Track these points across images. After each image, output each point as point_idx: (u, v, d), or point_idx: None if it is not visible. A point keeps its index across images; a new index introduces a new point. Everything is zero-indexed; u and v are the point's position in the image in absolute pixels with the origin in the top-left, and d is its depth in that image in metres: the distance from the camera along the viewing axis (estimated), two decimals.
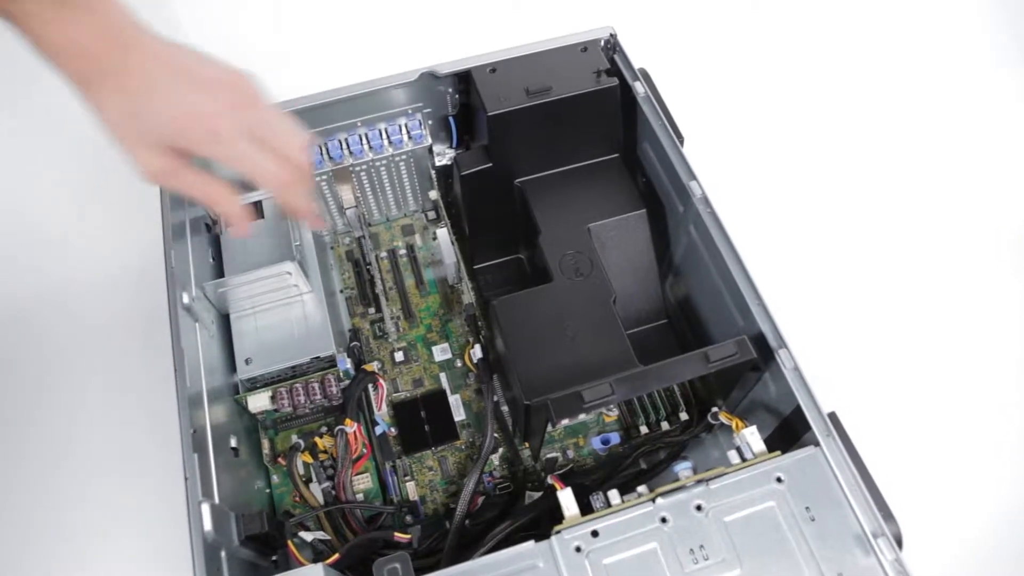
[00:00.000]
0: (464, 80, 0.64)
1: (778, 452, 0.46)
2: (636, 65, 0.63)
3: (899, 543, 0.43)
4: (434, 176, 0.71)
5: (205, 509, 0.45)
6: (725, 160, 0.85)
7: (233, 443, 0.56)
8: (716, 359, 0.48)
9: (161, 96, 0.41)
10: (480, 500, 0.60)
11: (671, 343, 0.65)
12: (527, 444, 0.64)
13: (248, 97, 0.44)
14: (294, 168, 0.46)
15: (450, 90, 0.65)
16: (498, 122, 0.59)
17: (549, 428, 0.63)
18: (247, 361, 0.60)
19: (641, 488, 0.46)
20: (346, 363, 0.63)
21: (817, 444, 0.46)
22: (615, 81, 0.61)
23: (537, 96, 0.60)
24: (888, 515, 0.43)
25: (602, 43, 0.64)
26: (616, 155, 0.65)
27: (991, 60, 0.97)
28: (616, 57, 0.64)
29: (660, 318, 0.66)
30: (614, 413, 0.65)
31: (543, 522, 0.54)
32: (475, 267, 0.63)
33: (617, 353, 0.54)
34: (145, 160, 0.42)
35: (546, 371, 0.53)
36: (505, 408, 0.64)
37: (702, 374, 0.48)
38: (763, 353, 0.50)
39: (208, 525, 0.44)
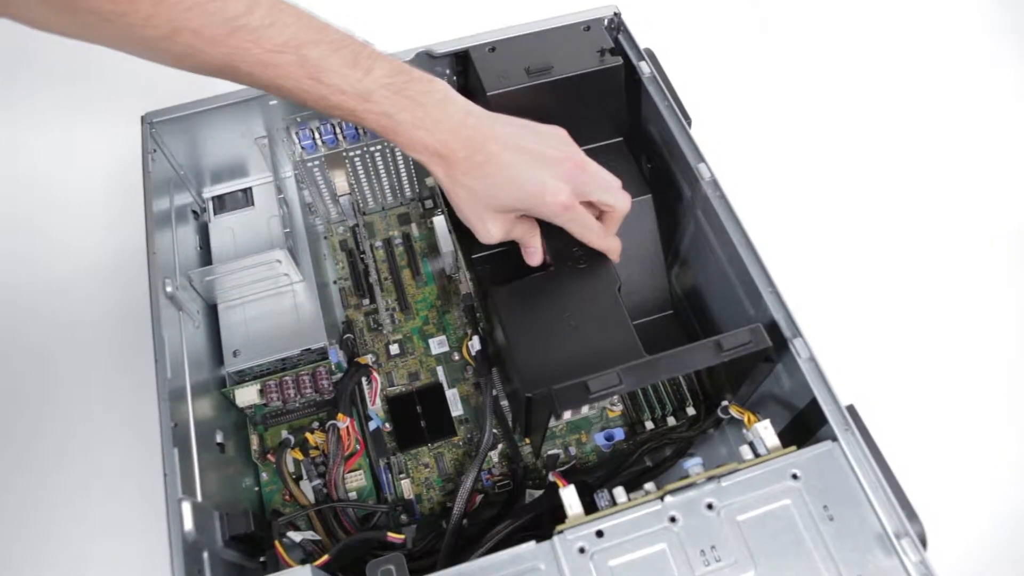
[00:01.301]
0: (462, 60, 0.62)
1: (793, 447, 0.44)
2: (641, 45, 0.61)
3: (923, 543, 0.40)
4: None
5: (185, 507, 0.42)
6: (734, 143, 0.83)
7: (219, 439, 0.54)
8: (729, 347, 0.45)
9: (519, 178, 0.48)
10: (478, 499, 0.58)
11: (678, 335, 0.63)
12: (527, 440, 0.61)
13: (579, 163, 0.50)
14: (612, 221, 0.53)
15: (448, 71, 0.63)
16: (498, 103, 0.57)
17: (551, 423, 0.61)
18: (235, 353, 0.58)
19: (648, 486, 0.44)
20: (338, 356, 0.61)
21: (835, 439, 0.43)
22: (619, 60, 0.59)
23: (538, 76, 0.57)
24: (911, 514, 0.41)
25: (606, 22, 0.61)
26: (620, 138, 0.63)
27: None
28: (620, 36, 0.62)
29: (666, 309, 0.63)
30: (618, 408, 0.62)
31: (544, 522, 0.52)
32: (473, 256, 0.61)
33: (622, 344, 0.52)
34: (490, 226, 0.50)
35: (548, 363, 0.51)
36: (505, 403, 0.61)
37: (714, 363, 0.46)
38: (776, 343, 0.47)
39: (189, 524, 0.42)
